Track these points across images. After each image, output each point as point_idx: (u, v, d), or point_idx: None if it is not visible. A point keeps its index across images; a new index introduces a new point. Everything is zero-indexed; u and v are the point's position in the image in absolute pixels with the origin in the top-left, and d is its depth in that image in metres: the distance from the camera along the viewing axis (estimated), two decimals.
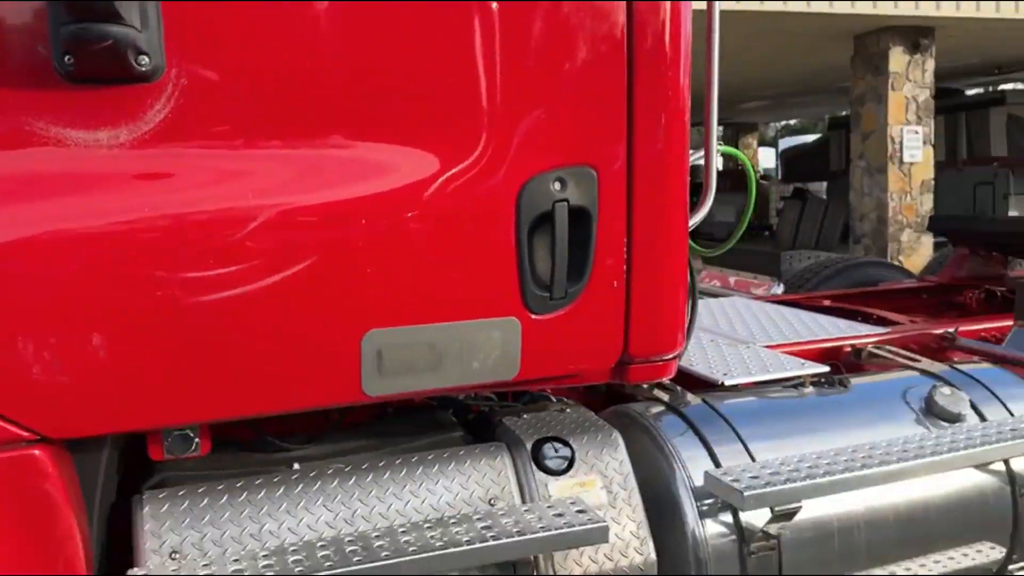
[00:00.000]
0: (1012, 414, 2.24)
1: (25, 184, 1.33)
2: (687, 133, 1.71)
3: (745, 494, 1.77)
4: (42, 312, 1.33)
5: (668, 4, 1.63)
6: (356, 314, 1.50)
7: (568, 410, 2.02)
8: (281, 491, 1.65)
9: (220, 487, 1.62)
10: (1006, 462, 2.14)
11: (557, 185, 1.59)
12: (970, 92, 16.20)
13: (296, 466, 1.73)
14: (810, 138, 22.00)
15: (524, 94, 1.57)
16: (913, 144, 10.49)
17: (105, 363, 1.36)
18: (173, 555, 1.51)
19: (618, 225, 1.65)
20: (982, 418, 2.20)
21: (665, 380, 2.22)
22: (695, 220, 1.86)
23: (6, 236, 1.31)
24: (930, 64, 10.44)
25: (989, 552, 2.18)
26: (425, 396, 1.95)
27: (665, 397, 2.19)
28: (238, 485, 1.64)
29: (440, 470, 1.77)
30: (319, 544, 1.55)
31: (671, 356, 1.80)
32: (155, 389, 1.42)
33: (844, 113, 15.98)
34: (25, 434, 1.35)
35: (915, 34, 10.26)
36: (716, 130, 1.92)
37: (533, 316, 1.61)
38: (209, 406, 1.48)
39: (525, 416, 1.98)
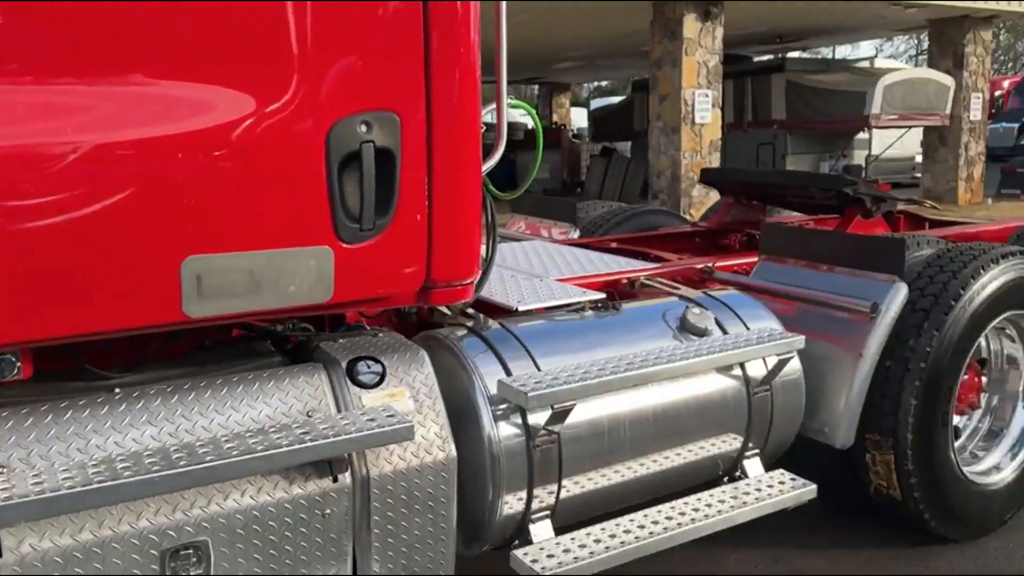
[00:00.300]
0: (748, 329, 2.73)
1: None
2: (478, 86, 1.96)
3: (529, 395, 2.10)
4: None
5: None
6: (174, 241, 1.64)
7: (381, 335, 2.25)
8: (105, 410, 1.77)
9: (44, 407, 1.72)
10: (742, 366, 2.63)
11: (363, 128, 1.79)
12: (756, 59, 17.77)
13: (117, 390, 1.85)
14: (617, 99, 23.15)
15: (331, 43, 1.75)
16: (703, 106, 11.43)
17: None
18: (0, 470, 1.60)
19: (420, 165, 1.88)
20: (724, 332, 2.67)
21: (468, 308, 2.53)
22: (488, 164, 2.12)
23: None
24: (719, 32, 11.37)
25: (731, 442, 2.68)
26: (246, 323, 2.11)
27: (468, 323, 2.47)
28: (62, 406, 1.74)
29: (260, 388, 1.95)
30: (146, 454, 1.70)
31: (468, 281, 2.07)
32: None
33: (646, 76, 17.03)
34: None
35: (706, 3, 11.13)
36: (506, 84, 2.18)
37: (345, 245, 1.81)
38: (34, 326, 1.57)
39: (341, 341, 2.19)
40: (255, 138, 1.69)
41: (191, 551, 1.76)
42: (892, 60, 26.73)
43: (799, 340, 2.65)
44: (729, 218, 4.64)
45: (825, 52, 21.28)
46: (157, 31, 1.58)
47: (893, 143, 15.92)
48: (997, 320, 3.04)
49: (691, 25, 11.16)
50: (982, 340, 3.08)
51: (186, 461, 1.66)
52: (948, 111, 14.12)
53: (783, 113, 15.10)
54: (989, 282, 2.93)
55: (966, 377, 3.07)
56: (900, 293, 2.83)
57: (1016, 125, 27.08)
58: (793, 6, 12.03)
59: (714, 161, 11.49)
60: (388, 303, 2.03)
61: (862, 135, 15.69)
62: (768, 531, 3.14)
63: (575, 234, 4.27)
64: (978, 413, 3.27)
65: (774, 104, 15.19)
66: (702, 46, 11.29)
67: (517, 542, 2.32)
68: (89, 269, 1.58)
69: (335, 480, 1.92)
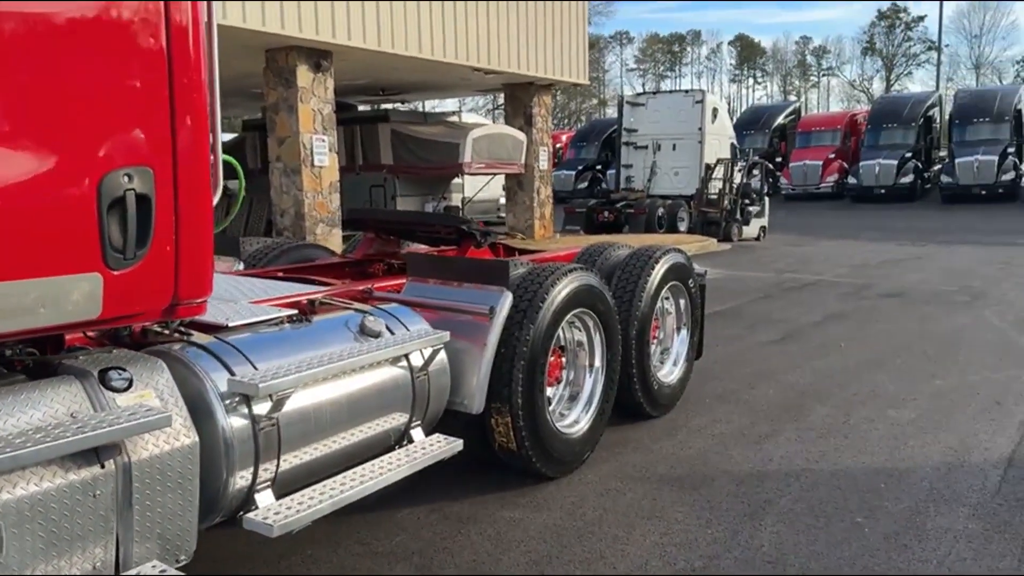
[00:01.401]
0: (409, 330, 3.58)
1: None
2: (207, 137, 2.51)
3: (260, 386, 2.69)
4: None
5: (195, 51, 2.41)
6: None
7: (115, 351, 2.64)
8: None
9: None
10: (407, 357, 3.47)
11: (126, 179, 2.27)
12: (362, 108, 19.18)
13: None
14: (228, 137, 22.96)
15: (98, 110, 2.20)
16: (321, 150, 12.29)
17: None
18: None
19: (169, 206, 2.39)
20: (392, 334, 3.49)
21: (180, 328, 2.99)
22: (214, 201, 2.67)
23: None
24: (330, 82, 12.34)
25: (400, 416, 3.49)
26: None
27: (185, 338, 2.94)
28: None
29: (16, 399, 2.25)
30: None
31: (203, 300, 2.60)
32: None
33: (258, 116, 17.31)
34: None
35: (317, 55, 12.03)
36: (220, 131, 2.72)
37: (112, 272, 2.26)
38: None
39: (82, 357, 2.54)
40: (37, 188, 2.08)
41: None
42: (474, 113, 30.46)
43: (445, 335, 3.58)
44: (372, 250, 5.52)
45: (415, 105, 23.59)
46: None
47: (482, 188, 18.49)
48: (569, 315, 4.31)
49: (304, 75, 11.95)
50: (560, 331, 4.32)
51: None
52: (523, 161, 16.88)
53: (390, 159, 16.61)
54: (562, 289, 4.17)
55: (552, 359, 4.28)
56: (508, 299, 3.93)
57: (573, 172, 32.68)
58: (396, 63, 13.52)
59: (335, 201, 12.38)
60: (143, 318, 2.47)
61: (457, 180, 17.94)
62: (432, 489, 4.03)
63: (239, 266, 4.76)
64: (562, 385, 4.53)
65: (382, 150, 16.62)
66: (315, 95, 12.15)
67: (242, 512, 2.86)
68: None
69: (103, 466, 2.31)
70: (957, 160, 27.25)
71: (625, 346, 4.83)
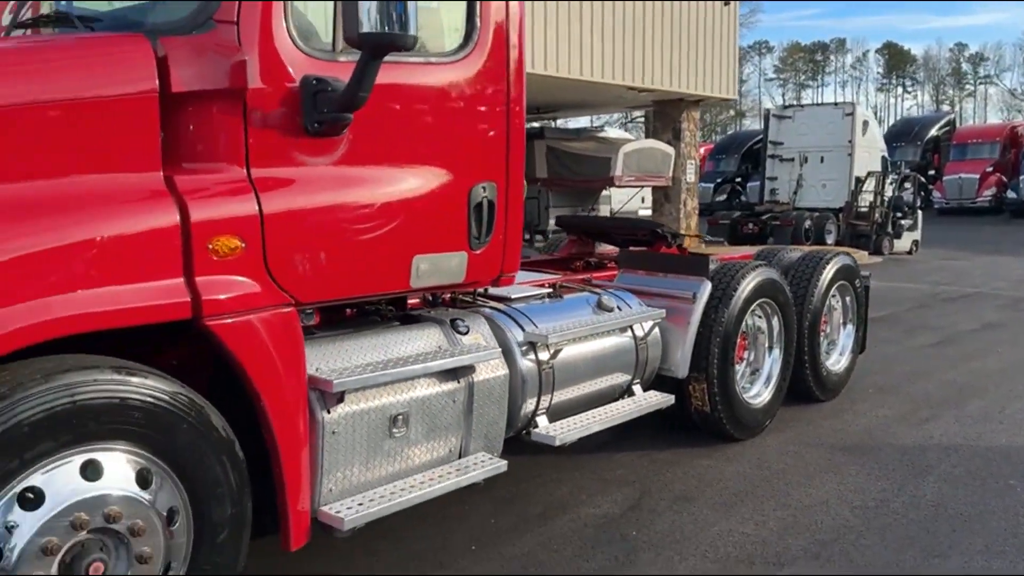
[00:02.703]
0: (631, 307, 4.57)
1: None
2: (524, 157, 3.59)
3: (550, 337, 3.74)
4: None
5: (518, 90, 3.50)
6: (409, 247, 3.11)
7: (450, 309, 3.77)
8: (336, 341, 3.15)
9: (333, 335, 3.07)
10: (632, 328, 4.46)
11: (483, 190, 3.37)
12: None
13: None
14: None
15: (470, 146, 3.32)
16: None
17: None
18: None
19: (503, 207, 3.48)
20: (620, 311, 4.49)
21: (480, 297, 4.10)
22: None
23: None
24: None
25: (625, 375, 4.48)
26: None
27: (490, 303, 4.03)
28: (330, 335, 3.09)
29: (401, 336, 3.37)
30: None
31: (514, 273, 3.69)
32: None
33: None
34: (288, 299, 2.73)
35: None
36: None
37: (473, 252, 3.37)
38: (331, 292, 2.97)
39: (431, 312, 3.67)
40: (440, 195, 3.21)
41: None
42: (612, 128, 31.40)
43: (662, 312, 4.56)
44: (574, 250, 6.58)
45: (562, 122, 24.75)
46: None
47: (630, 199, 19.37)
48: (754, 304, 5.17)
49: None
50: (747, 317, 5.19)
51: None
52: (671, 174, 17.64)
53: (545, 172, 17.78)
54: (751, 280, 5.04)
55: (739, 341, 5.15)
56: (707, 287, 4.84)
57: (712, 185, 32.90)
58: (558, 84, 14.68)
59: None
60: (478, 284, 3.58)
61: (605, 192, 18.91)
62: (638, 442, 5.00)
63: None
64: (744, 363, 5.38)
65: (538, 165, 17.81)
66: None
67: (526, 431, 3.92)
68: (369, 262, 3.00)
69: (458, 382, 3.42)
70: None
71: (799, 335, 5.63)
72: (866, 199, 19.38)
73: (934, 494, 4.35)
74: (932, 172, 31.35)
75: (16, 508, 2.15)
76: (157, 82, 2.49)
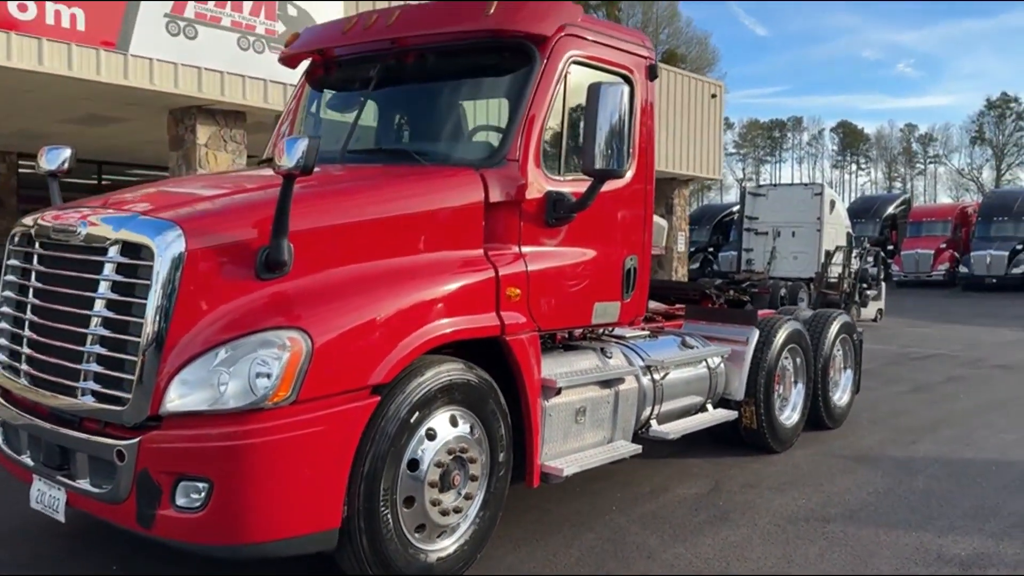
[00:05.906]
0: (701, 347, 6.21)
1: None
2: (652, 233, 5.27)
3: (664, 361, 5.37)
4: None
5: (650, 188, 5.20)
6: (603, 291, 4.75)
7: (593, 341, 5.37)
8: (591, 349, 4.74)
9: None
10: (707, 360, 6.10)
11: (630, 260, 5.05)
12: None
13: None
14: None
15: (624, 231, 5.00)
16: None
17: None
18: None
19: (640, 271, 5.13)
20: (695, 348, 6.12)
21: (603, 335, 5.73)
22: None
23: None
24: None
25: (701, 397, 6.10)
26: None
27: (614, 339, 5.64)
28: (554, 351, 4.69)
29: (571, 358, 4.96)
30: None
31: (642, 316, 5.32)
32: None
33: None
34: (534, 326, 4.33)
35: None
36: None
37: (624, 301, 5.01)
38: (561, 322, 4.58)
39: (584, 343, 5.26)
40: (609, 263, 4.88)
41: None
42: None
43: (727, 350, 6.22)
44: None
45: None
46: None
47: None
48: (787, 348, 6.85)
49: None
50: (780, 358, 6.85)
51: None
52: (664, 244, 19.59)
53: None
54: (786, 329, 6.73)
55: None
56: (756, 333, 6.52)
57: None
58: None
59: None
60: (622, 324, 5.20)
61: None
62: (699, 454, 6.60)
63: None
64: (777, 393, 7.02)
65: None
66: None
67: (643, 429, 5.50)
68: (574, 304, 4.62)
69: (612, 388, 5.00)
70: None
71: (814, 376, 7.31)
72: (835, 270, 21.48)
73: (924, 486, 5.99)
74: (891, 247, 33.93)
75: (425, 440, 3.73)
76: (483, 196, 4.15)
